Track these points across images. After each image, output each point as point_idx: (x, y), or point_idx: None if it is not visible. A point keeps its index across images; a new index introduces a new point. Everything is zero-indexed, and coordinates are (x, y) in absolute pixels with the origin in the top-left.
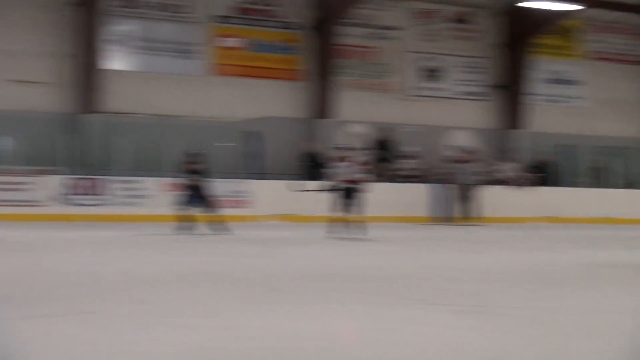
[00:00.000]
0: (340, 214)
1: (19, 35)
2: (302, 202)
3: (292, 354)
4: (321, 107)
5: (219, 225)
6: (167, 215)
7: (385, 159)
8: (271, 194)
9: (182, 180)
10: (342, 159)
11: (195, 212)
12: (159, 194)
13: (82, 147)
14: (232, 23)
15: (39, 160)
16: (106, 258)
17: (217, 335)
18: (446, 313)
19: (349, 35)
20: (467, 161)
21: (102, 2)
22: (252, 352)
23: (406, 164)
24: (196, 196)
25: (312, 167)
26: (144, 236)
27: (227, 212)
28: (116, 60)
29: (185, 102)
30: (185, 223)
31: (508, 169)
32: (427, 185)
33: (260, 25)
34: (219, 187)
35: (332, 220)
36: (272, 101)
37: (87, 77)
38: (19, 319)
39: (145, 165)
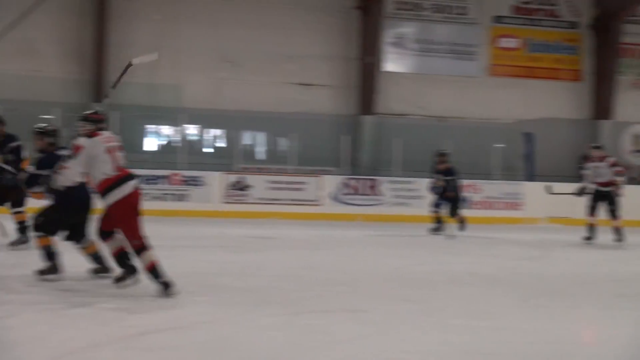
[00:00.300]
0: (595, 218)
1: (304, 39)
2: (572, 205)
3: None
4: (601, 108)
5: (462, 225)
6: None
7: None
8: (542, 196)
9: (432, 181)
10: (599, 160)
11: (445, 212)
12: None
13: (359, 147)
14: (508, 23)
15: (318, 161)
16: (374, 257)
17: (492, 337)
18: None
19: (631, 34)
20: None
21: (383, 5)
22: (531, 355)
23: None
24: (444, 196)
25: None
26: (411, 237)
27: (501, 214)
28: (393, 63)
29: (460, 103)
30: (438, 224)
31: None
32: None
33: (538, 25)
34: (493, 188)
35: (590, 225)
36: (548, 102)
37: (366, 79)
38: (292, 314)
39: (419, 166)
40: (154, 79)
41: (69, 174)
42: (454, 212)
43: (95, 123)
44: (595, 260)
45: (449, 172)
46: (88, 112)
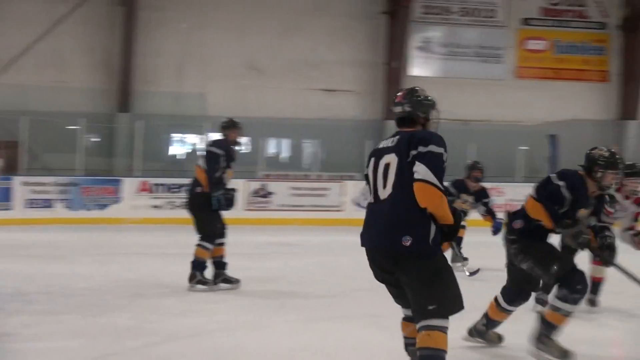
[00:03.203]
0: None
1: (329, 45)
2: None
3: None
4: (627, 109)
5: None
6: None
7: None
8: None
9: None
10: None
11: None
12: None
13: None
14: (536, 25)
15: (342, 166)
16: None
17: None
18: None
19: None
20: None
21: (410, 10)
22: None
23: None
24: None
25: None
26: None
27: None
28: (419, 67)
29: (485, 107)
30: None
31: None
32: None
33: (566, 26)
34: (516, 191)
35: None
36: (575, 103)
37: (392, 84)
38: (311, 320)
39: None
40: (179, 88)
41: None
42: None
43: None
44: None
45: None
46: None
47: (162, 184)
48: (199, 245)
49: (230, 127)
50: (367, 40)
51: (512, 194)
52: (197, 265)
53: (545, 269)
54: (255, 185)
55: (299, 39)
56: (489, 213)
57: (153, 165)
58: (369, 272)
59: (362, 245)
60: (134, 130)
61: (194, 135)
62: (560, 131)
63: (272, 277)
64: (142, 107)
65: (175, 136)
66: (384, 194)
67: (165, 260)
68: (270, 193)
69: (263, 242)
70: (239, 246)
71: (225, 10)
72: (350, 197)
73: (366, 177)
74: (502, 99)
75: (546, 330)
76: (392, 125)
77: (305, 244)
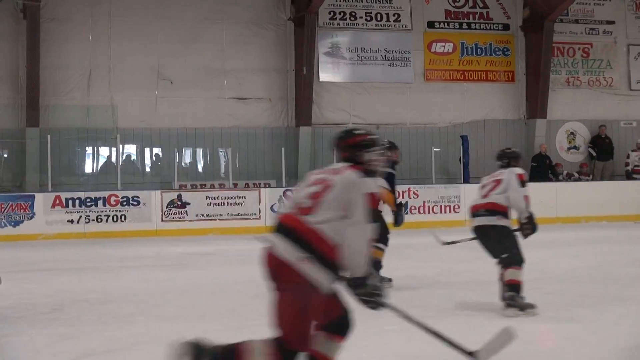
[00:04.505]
0: None
1: (239, 53)
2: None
3: None
4: (535, 107)
5: None
6: None
7: (602, 157)
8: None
9: None
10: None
11: None
12: None
13: (295, 159)
14: (442, 28)
15: (257, 174)
16: None
17: (427, 341)
18: None
19: (562, 33)
20: None
21: (317, 16)
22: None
23: (627, 161)
24: None
25: (536, 169)
26: None
27: (439, 217)
28: (329, 73)
29: (396, 110)
30: None
31: None
32: None
33: (471, 28)
34: (431, 192)
35: None
36: (484, 104)
37: (302, 90)
38: (233, 329)
39: None
40: (88, 100)
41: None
42: None
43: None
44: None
45: None
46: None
47: (76, 198)
48: (374, 246)
49: (391, 148)
50: (276, 47)
51: (427, 196)
52: (374, 265)
53: None
54: (170, 195)
55: (206, 47)
56: None
57: (66, 180)
58: None
59: None
60: (44, 144)
61: (106, 148)
62: (470, 132)
63: (191, 288)
64: (51, 121)
65: (88, 149)
66: None
67: (81, 275)
68: (186, 203)
69: (180, 252)
70: (157, 258)
71: (130, 21)
72: (266, 205)
73: None
74: (412, 102)
75: None
76: (304, 131)
77: (223, 253)
